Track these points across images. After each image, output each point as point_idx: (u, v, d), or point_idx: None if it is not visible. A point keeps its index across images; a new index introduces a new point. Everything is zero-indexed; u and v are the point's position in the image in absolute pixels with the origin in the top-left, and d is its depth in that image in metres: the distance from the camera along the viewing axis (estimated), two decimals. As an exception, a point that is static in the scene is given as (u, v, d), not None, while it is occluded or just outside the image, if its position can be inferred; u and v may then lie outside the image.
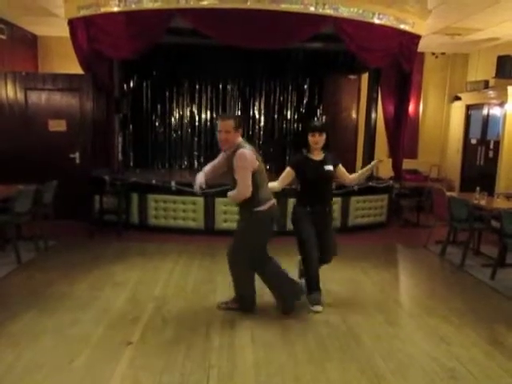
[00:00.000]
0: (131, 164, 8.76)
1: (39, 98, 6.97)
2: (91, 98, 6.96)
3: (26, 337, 3.37)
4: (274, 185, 4.01)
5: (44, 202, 5.56)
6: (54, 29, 7.81)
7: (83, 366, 2.99)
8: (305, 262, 4.06)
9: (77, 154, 7.04)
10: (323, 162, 4.02)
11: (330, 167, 4.03)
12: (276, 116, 9.34)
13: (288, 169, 4.05)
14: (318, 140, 3.95)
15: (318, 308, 3.95)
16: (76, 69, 6.89)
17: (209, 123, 9.19)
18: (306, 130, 4.03)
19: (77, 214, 6.67)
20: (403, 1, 6.17)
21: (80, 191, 6.61)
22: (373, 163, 4.23)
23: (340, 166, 4.15)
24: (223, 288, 4.39)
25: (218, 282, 4.59)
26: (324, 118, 9.32)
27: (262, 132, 9.40)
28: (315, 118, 9.23)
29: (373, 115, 8.06)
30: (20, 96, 6.93)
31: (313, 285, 3.99)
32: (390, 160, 7.83)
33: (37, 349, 3.20)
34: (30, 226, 5.59)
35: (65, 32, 6.72)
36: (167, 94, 8.98)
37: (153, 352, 3.21)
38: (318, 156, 4.04)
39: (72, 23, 6.55)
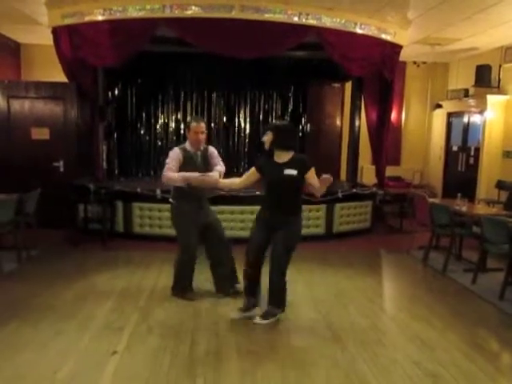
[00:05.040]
0: (116, 172, 8.72)
1: (22, 106, 6.91)
2: (75, 106, 6.93)
3: (8, 348, 3.32)
4: (234, 181, 4.01)
5: (27, 211, 5.50)
6: (38, 36, 7.76)
7: (67, 377, 2.96)
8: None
9: (60, 163, 6.99)
10: (285, 164, 3.64)
11: (291, 171, 3.61)
12: (261, 124, 9.40)
13: (253, 169, 3.83)
14: (265, 140, 3.70)
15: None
16: (60, 77, 6.86)
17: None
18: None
19: (61, 223, 6.60)
20: (384, 11, 6.29)
21: (64, 200, 6.56)
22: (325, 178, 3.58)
23: (310, 171, 3.67)
24: (209, 296, 4.40)
25: (203, 290, 4.58)
26: (308, 125, 9.43)
27: (247, 140, 9.45)
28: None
29: (356, 123, 8.17)
30: (2, 104, 6.87)
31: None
32: (374, 167, 7.95)
33: (19, 360, 3.16)
34: (12, 236, 5.51)
35: (48, 40, 6.70)
36: (152, 101, 8.99)
37: (138, 361, 3.19)
38: (280, 158, 3.67)
39: (56, 31, 6.53)
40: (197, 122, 4.19)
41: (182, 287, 4.35)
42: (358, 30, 6.58)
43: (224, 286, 4.40)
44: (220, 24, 6.03)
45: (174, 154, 4.14)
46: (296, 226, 3.77)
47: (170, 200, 4.29)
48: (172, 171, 4.08)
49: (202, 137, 4.19)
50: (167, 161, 4.13)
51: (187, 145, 4.23)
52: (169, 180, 4.09)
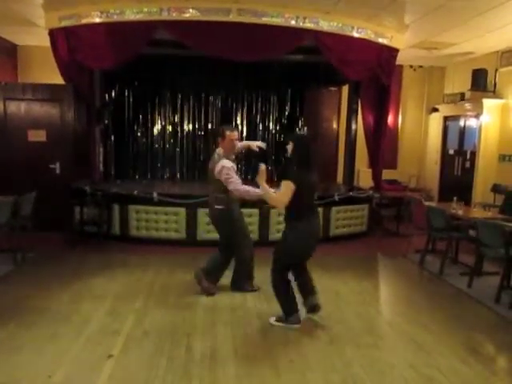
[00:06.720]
0: (112, 174, 8.69)
1: (18, 108, 6.89)
2: (72, 108, 6.91)
3: (2, 351, 3.30)
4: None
5: (22, 213, 5.47)
6: (35, 38, 7.75)
7: (62, 381, 2.95)
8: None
9: (57, 165, 6.97)
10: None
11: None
12: (258, 127, 9.41)
13: (292, 186, 3.58)
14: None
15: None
16: (57, 79, 6.85)
17: (191, 134, 9.20)
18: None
19: (57, 226, 6.57)
20: (381, 15, 6.31)
21: (60, 202, 6.53)
22: None
23: None
24: (205, 300, 4.40)
25: (199, 294, 4.58)
26: (305, 128, 9.45)
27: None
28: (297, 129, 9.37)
29: (353, 126, 8.19)
30: (-1, 106, 6.85)
31: None
32: (370, 170, 7.98)
33: (14, 364, 3.14)
34: (7, 238, 5.49)
35: (45, 41, 6.69)
36: (149, 104, 8.97)
37: (134, 365, 3.18)
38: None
39: (53, 33, 6.53)
40: (231, 130, 4.34)
41: (244, 280, 4.59)
42: (355, 34, 6.60)
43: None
44: (217, 27, 6.04)
45: (231, 166, 4.18)
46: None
47: (218, 207, 4.34)
48: (242, 184, 4.15)
49: (237, 143, 4.46)
50: (229, 174, 4.10)
51: (223, 153, 4.29)
52: (249, 195, 4.09)
